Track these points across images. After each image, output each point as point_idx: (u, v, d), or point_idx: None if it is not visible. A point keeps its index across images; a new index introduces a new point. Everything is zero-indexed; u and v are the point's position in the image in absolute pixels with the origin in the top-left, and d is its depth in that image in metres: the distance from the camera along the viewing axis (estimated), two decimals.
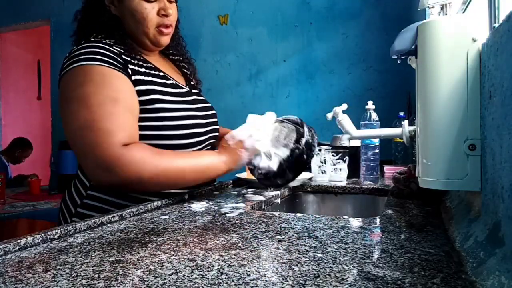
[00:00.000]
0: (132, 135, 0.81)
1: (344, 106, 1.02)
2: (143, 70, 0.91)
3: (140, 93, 0.87)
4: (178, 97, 0.95)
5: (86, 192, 0.91)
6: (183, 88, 1.01)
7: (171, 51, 1.10)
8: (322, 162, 1.29)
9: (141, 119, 0.87)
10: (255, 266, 0.46)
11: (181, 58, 1.11)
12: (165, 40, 0.97)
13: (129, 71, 0.87)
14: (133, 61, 0.90)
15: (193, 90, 1.06)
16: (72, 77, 0.83)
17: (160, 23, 0.93)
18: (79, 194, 0.92)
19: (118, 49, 0.89)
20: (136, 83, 0.87)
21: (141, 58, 0.94)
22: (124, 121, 0.80)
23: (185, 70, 1.11)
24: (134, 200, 0.88)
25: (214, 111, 1.10)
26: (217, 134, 1.08)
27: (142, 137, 0.86)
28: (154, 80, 0.92)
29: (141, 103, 0.87)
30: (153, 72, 0.94)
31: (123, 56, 0.88)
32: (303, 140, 0.88)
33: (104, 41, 0.89)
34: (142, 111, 0.87)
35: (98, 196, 0.90)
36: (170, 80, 0.97)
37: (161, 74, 0.96)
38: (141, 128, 0.87)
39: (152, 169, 0.78)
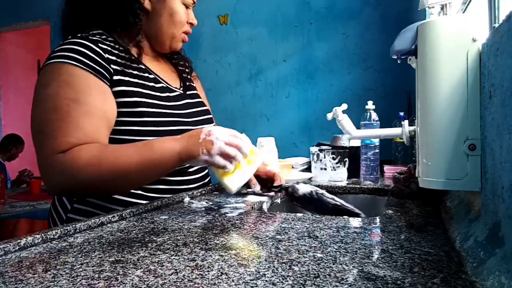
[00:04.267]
0: (87, 136, 0.77)
1: (344, 106, 1.02)
2: (129, 71, 0.89)
3: (121, 94, 0.85)
4: (166, 102, 0.93)
5: (75, 197, 0.89)
6: (174, 91, 0.98)
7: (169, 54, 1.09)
8: (323, 167, 1.29)
9: (122, 123, 0.85)
10: (255, 266, 0.46)
11: (175, 56, 1.09)
12: (180, 46, 1.00)
13: (111, 70, 0.85)
14: (119, 60, 0.87)
15: (188, 92, 1.04)
16: (42, 75, 0.82)
17: (187, 30, 0.97)
18: (69, 199, 0.90)
19: (106, 47, 0.86)
20: (118, 83, 0.85)
21: (133, 59, 0.92)
22: (77, 125, 0.77)
23: (181, 68, 1.08)
24: (123, 204, 0.86)
25: (209, 115, 1.08)
26: None
27: (123, 141, 0.84)
28: (141, 82, 0.90)
29: (123, 104, 0.85)
30: (141, 74, 0.91)
31: (107, 55, 0.85)
32: None
33: (91, 38, 0.86)
34: (124, 114, 0.85)
35: (88, 200, 0.87)
36: (160, 83, 0.95)
37: (151, 76, 0.94)
38: (123, 132, 0.85)
39: (91, 174, 0.74)
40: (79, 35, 0.87)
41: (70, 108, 0.77)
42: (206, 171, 1.07)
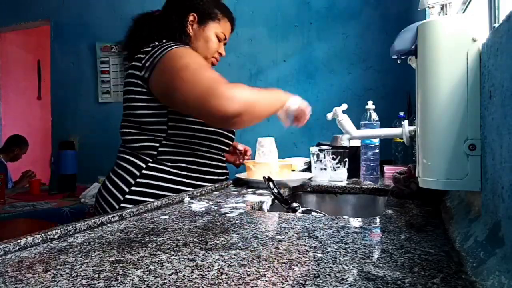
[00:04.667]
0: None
1: (344, 106, 1.02)
2: None
3: None
4: None
5: (135, 180, 1.05)
6: None
7: None
8: (323, 167, 1.29)
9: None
10: (255, 266, 0.46)
11: None
12: None
13: None
14: None
15: None
16: (173, 56, 1.00)
17: (216, 57, 1.22)
18: (126, 182, 1.05)
19: None
20: None
21: None
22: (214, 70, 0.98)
23: None
24: (174, 191, 1.04)
25: None
26: None
27: (184, 129, 1.06)
28: None
29: None
30: None
31: None
32: None
33: None
34: None
35: (140, 190, 1.04)
36: None
37: None
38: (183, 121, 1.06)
39: (252, 97, 0.96)
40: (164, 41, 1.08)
41: (207, 64, 1.00)
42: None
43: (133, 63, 1.06)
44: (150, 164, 1.06)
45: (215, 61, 1.23)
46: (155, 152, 1.06)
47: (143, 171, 1.05)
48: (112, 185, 1.08)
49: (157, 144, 1.06)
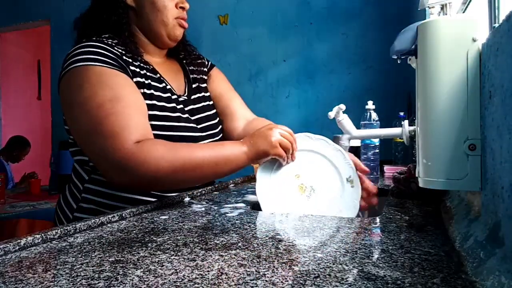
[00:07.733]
0: (141, 130, 0.78)
1: (342, 107, 1.02)
2: (143, 72, 0.91)
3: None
4: (171, 104, 0.93)
5: (80, 196, 0.90)
6: (179, 96, 0.98)
7: (182, 54, 1.09)
8: None
9: None
10: (255, 266, 0.46)
11: (190, 61, 1.10)
12: (181, 33, 0.98)
13: (130, 72, 0.87)
14: (134, 62, 0.90)
15: (192, 97, 1.02)
16: (70, 80, 0.82)
17: (179, 15, 0.95)
18: (74, 197, 0.92)
19: (120, 50, 0.88)
20: (136, 85, 0.86)
21: (142, 60, 0.93)
22: (129, 118, 0.77)
23: (192, 68, 1.09)
24: (129, 201, 0.88)
25: (214, 120, 1.06)
26: None
27: None
28: (152, 83, 0.91)
29: None
30: (150, 74, 0.93)
31: (124, 58, 0.88)
32: None
33: (105, 41, 0.88)
34: None
35: (93, 199, 0.89)
36: (163, 83, 0.95)
37: (156, 76, 0.95)
38: None
39: (168, 166, 0.75)
40: (94, 38, 0.89)
41: (115, 105, 0.77)
42: None
43: None
44: (93, 176, 0.90)
45: (182, 22, 0.97)
46: (89, 168, 0.90)
47: (86, 185, 0.90)
48: (63, 200, 0.95)
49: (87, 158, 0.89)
